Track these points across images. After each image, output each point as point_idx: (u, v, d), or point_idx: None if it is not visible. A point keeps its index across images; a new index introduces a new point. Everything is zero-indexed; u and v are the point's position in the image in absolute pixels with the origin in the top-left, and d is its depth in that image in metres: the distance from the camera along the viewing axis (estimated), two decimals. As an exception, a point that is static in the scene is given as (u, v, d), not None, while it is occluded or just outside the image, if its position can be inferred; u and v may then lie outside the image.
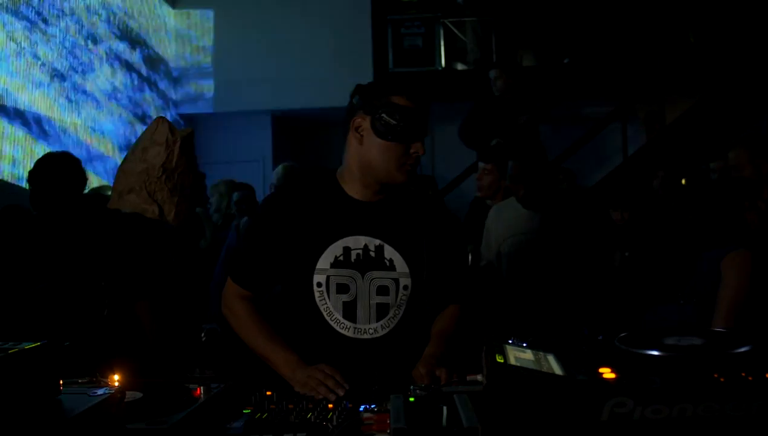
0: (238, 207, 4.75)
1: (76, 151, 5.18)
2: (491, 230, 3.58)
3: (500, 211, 3.58)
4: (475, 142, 5.87)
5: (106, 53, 6.65)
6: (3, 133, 5.07)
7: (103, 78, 6.56)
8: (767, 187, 2.77)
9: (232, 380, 1.61)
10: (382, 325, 1.92)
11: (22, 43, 5.34)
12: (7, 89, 5.14)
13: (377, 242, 1.91)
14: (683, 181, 5.90)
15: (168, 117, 7.91)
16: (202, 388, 1.51)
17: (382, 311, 1.92)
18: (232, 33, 7.97)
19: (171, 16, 8.08)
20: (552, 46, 8.01)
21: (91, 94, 6.34)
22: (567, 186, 4.62)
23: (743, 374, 1.14)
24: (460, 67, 8.29)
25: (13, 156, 5.17)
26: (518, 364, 1.25)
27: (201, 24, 8.10)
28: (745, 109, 6.67)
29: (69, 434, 1.12)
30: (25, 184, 5.13)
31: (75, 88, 6.07)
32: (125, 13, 7.05)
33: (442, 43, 8.01)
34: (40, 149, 5.44)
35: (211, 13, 8.09)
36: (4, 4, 5.13)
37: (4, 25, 5.13)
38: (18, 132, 5.24)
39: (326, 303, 1.90)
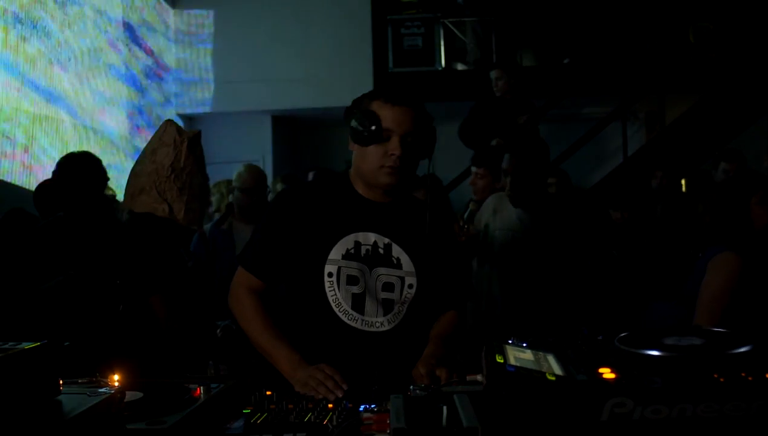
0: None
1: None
2: (483, 213, 3.58)
3: (498, 201, 3.57)
4: (474, 143, 5.87)
5: (107, 53, 6.65)
6: (3, 132, 5.07)
7: (103, 78, 6.56)
8: None
9: (232, 380, 1.61)
10: (388, 320, 1.94)
11: (22, 42, 5.34)
12: (6, 88, 5.14)
13: (386, 240, 1.95)
14: (683, 182, 5.91)
15: (168, 117, 7.93)
16: (202, 388, 1.51)
17: (387, 306, 1.95)
18: (232, 33, 7.97)
19: (171, 16, 8.08)
20: (552, 46, 8.02)
21: (91, 94, 6.34)
22: (557, 189, 4.61)
23: (743, 374, 1.15)
24: (460, 67, 8.29)
25: (12, 155, 5.17)
26: (518, 364, 1.25)
27: (201, 24, 8.10)
28: (745, 109, 6.67)
29: (69, 434, 1.12)
30: (24, 184, 5.15)
31: (74, 88, 6.07)
32: (125, 13, 7.05)
33: (442, 43, 8.02)
34: (40, 149, 5.44)
35: (211, 13, 8.10)
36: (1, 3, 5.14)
37: (2, 22, 5.13)
38: (17, 131, 5.24)
39: (336, 294, 1.92)
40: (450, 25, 8.10)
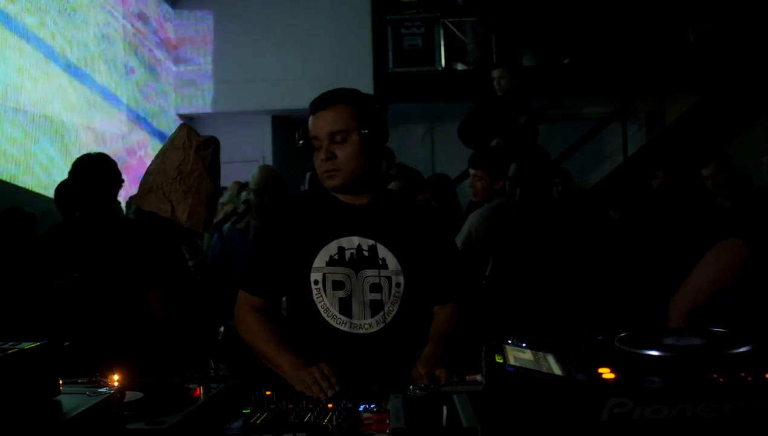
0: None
1: (76, 152, 5.20)
2: (474, 228, 3.58)
3: (490, 214, 3.56)
4: (474, 142, 5.87)
5: (106, 53, 6.65)
6: (2, 132, 5.07)
7: (103, 78, 6.56)
8: None
9: (232, 380, 1.61)
10: (376, 320, 1.96)
11: (21, 41, 5.34)
12: (6, 88, 5.14)
13: (370, 242, 1.97)
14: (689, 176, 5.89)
15: (168, 117, 7.93)
16: (201, 388, 1.51)
17: (376, 307, 1.96)
18: (231, 33, 7.97)
19: (171, 16, 8.08)
20: (552, 46, 8.01)
21: (91, 94, 6.34)
22: (563, 188, 4.61)
23: (743, 374, 1.15)
24: (460, 67, 8.29)
25: (12, 155, 5.17)
26: (518, 364, 1.25)
27: (201, 24, 8.10)
28: (745, 108, 6.67)
29: (69, 434, 1.12)
30: (23, 184, 5.15)
31: (74, 87, 6.07)
32: (125, 13, 7.05)
33: (442, 43, 8.02)
34: (39, 149, 5.44)
35: (211, 13, 8.10)
36: (4, 3, 5.14)
37: (2, 23, 5.13)
38: (16, 131, 5.24)
39: (323, 300, 1.96)
40: (450, 25, 8.10)
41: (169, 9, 8.05)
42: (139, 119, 7.19)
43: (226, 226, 4.28)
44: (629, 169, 6.60)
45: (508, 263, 3.53)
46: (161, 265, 2.64)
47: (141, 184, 2.72)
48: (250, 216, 4.18)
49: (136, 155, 7.03)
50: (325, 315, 1.96)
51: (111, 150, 6.56)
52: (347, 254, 1.96)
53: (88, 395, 1.22)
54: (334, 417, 1.47)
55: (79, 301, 2.67)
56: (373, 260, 1.97)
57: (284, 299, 2.18)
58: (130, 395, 1.40)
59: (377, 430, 1.43)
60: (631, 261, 4.23)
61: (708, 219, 4.24)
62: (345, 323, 1.95)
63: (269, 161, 7.99)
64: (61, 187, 3.48)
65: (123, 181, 3.10)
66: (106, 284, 2.72)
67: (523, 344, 1.39)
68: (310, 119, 1.97)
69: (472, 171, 4.08)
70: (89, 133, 6.24)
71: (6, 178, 5.02)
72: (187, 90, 8.08)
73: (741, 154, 5.29)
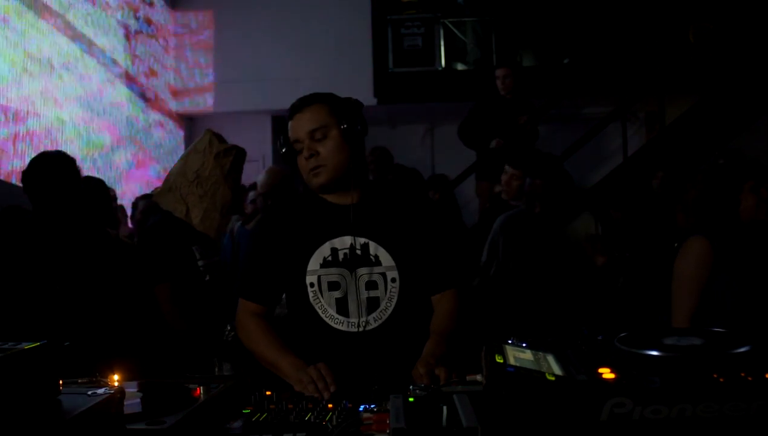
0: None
1: (76, 152, 5.19)
2: (498, 238, 3.62)
3: (510, 223, 3.59)
4: (474, 142, 5.88)
5: (106, 53, 6.65)
6: (2, 132, 5.07)
7: (103, 77, 6.56)
8: None
9: (232, 380, 1.61)
10: (374, 317, 1.97)
11: (19, 39, 5.34)
12: (5, 87, 5.14)
13: (362, 240, 1.99)
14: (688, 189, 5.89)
15: (168, 117, 7.92)
16: (202, 388, 1.51)
17: (373, 304, 1.98)
18: (232, 33, 7.97)
19: (171, 16, 8.08)
20: (552, 46, 8.02)
21: (90, 94, 6.34)
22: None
23: (743, 374, 1.15)
24: (460, 67, 8.29)
25: (11, 155, 5.17)
26: (518, 364, 1.25)
27: (201, 24, 8.10)
28: (745, 109, 6.68)
29: (69, 434, 1.12)
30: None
31: (74, 87, 6.07)
32: (125, 13, 7.05)
33: (442, 43, 8.02)
34: (37, 148, 5.44)
35: (211, 13, 8.10)
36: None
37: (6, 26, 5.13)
38: (16, 131, 5.24)
39: (320, 301, 1.97)
40: (450, 25, 8.10)
41: (169, 9, 8.05)
42: (139, 120, 7.19)
43: (237, 225, 4.31)
44: (629, 169, 6.60)
45: (515, 266, 3.55)
46: (170, 260, 2.70)
47: (163, 183, 2.82)
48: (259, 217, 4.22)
49: (136, 156, 7.03)
50: (323, 316, 1.97)
51: (111, 150, 6.56)
52: (340, 254, 1.98)
53: (88, 395, 1.22)
54: (334, 417, 1.47)
55: (84, 305, 2.67)
56: (366, 258, 1.98)
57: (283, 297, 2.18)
58: (131, 396, 1.40)
59: (377, 430, 1.43)
60: (632, 262, 4.23)
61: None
62: (343, 323, 1.97)
63: (269, 161, 7.99)
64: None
65: (81, 178, 3.01)
66: (105, 283, 2.72)
67: (523, 344, 1.39)
68: (289, 125, 1.99)
69: (510, 169, 4.03)
70: (89, 133, 6.24)
71: (4, 177, 5.02)
72: (187, 90, 8.08)
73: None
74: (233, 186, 2.74)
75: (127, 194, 6.32)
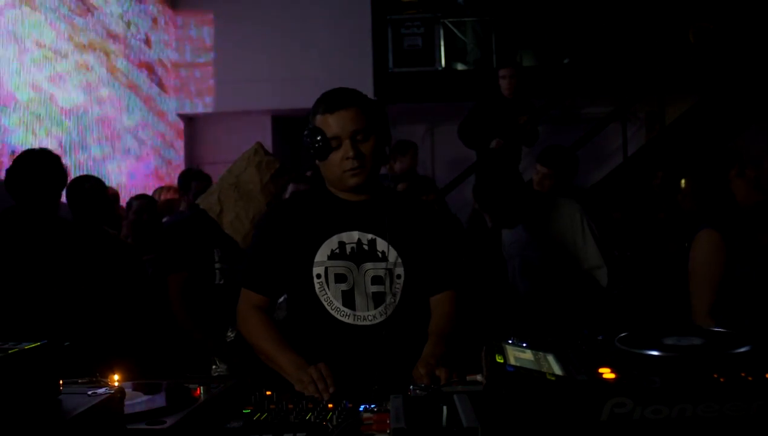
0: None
1: (73, 152, 5.20)
2: (505, 248, 3.63)
3: (509, 233, 3.60)
4: (474, 142, 5.88)
5: (107, 53, 6.65)
6: (2, 132, 5.07)
7: (103, 77, 6.56)
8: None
9: (232, 380, 1.61)
10: (380, 312, 1.98)
11: (21, 40, 5.34)
12: (5, 87, 5.14)
13: (370, 236, 2.01)
14: (682, 182, 5.90)
15: (168, 117, 7.92)
16: (202, 388, 1.51)
17: (378, 299, 1.99)
18: (232, 33, 7.97)
19: (171, 16, 8.08)
20: (552, 46, 8.01)
21: (90, 94, 6.34)
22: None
23: (743, 374, 1.15)
24: (460, 67, 8.29)
25: (10, 156, 5.17)
26: (518, 364, 1.25)
27: (201, 24, 8.10)
28: (745, 109, 6.68)
29: (69, 434, 1.12)
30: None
31: (74, 87, 6.07)
32: (125, 13, 7.05)
33: (442, 43, 8.02)
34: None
35: (211, 13, 8.10)
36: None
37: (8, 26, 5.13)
38: (16, 131, 5.24)
39: (326, 293, 1.98)
40: (450, 25, 8.10)
41: (169, 9, 8.05)
42: (139, 120, 7.19)
43: None
44: (629, 169, 6.60)
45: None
46: (189, 252, 2.75)
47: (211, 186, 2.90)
48: None
49: (135, 157, 7.03)
50: (329, 308, 1.97)
51: (111, 150, 6.56)
52: (348, 248, 1.99)
53: (88, 395, 1.22)
54: (334, 417, 1.48)
55: (85, 304, 2.67)
56: (373, 254, 2.00)
57: (280, 300, 2.19)
58: (130, 395, 1.40)
59: (377, 430, 1.43)
60: (633, 261, 4.24)
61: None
62: (349, 316, 1.97)
63: (269, 161, 7.98)
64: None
65: (66, 176, 2.99)
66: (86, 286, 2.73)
67: (523, 344, 1.39)
68: (327, 118, 1.94)
69: (542, 168, 3.96)
70: (88, 133, 6.24)
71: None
72: (187, 90, 8.08)
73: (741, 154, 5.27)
74: (269, 199, 2.78)
75: (125, 195, 6.31)
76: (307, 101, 2.04)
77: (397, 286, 1.99)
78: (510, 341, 1.40)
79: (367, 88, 7.59)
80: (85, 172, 5.45)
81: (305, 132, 1.98)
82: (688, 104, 6.93)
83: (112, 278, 2.84)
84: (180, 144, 8.18)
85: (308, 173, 5.36)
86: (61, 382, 1.22)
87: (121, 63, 6.91)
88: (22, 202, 2.80)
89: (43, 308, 2.63)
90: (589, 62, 7.62)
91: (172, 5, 8.08)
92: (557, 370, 1.24)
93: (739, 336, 1.29)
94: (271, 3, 7.91)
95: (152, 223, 4.67)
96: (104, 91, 6.57)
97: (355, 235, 2.00)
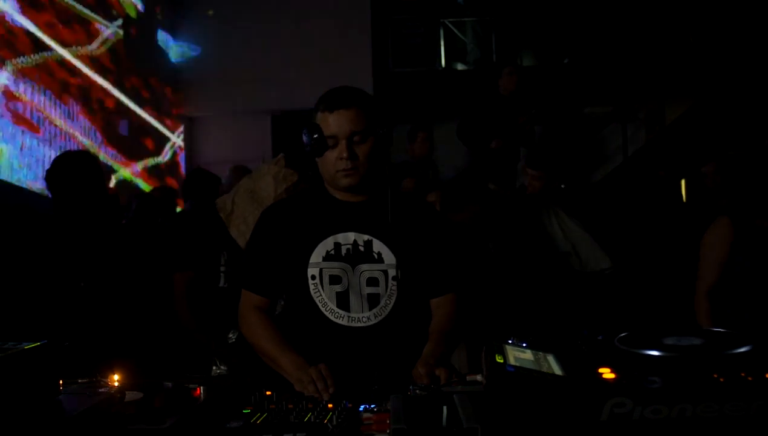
0: None
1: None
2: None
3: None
4: (474, 142, 5.88)
5: (106, 52, 6.65)
6: (2, 133, 5.07)
7: (103, 77, 6.56)
8: None
9: (232, 380, 1.61)
10: (374, 313, 1.98)
11: (19, 44, 5.34)
12: (5, 88, 5.14)
13: (366, 237, 2.00)
14: (683, 182, 5.91)
15: (168, 117, 7.90)
16: (202, 388, 1.51)
17: (373, 300, 1.98)
18: (232, 33, 7.97)
19: (171, 16, 8.08)
20: (552, 46, 8.02)
21: (90, 94, 6.34)
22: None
23: (743, 374, 1.15)
24: (460, 67, 8.29)
25: (11, 156, 5.17)
26: (518, 364, 1.25)
27: (201, 24, 8.10)
28: (744, 109, 6.68)
29: (69, 434, 1.12)
30: (24, 185, 5.15)
31: (74, 87, 6.07)
32: (125, 12, 7.05)
33: (442, 43, 8.02)
34: (38, 149, 5.44)
35: (211, 14, 8.10)
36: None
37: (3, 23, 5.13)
38: (16, 132, 5.24)
39: (321, 294, 1.97)
40: (450, 25, 8.10)
41: (169, 9, 8.05)
42: (139, 120, 7.19)
43: None
44: (629, 170, 6.60)
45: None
46: (196, 252, 2.78)
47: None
48: None
49: (136, 157, 7.03)
50: (323, 309, 1.97)
51: (111, 150, 6.56)
52: (343, 249, 1.99)
53: (88, 395, 1.22)
54: (334, 417, 1.48)
55: (85, 304, 2.68)
56: (368, 255, 1.99)
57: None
58: (130, 395, 1.40)
59: (377, 430, 1.43)
60: (634, 260, 4.24)
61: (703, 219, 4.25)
62: (343, 317, 1.97)
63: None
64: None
65: (103, 179, 3.01)
66: (105, 289, 2.73)
67: (523, 344, 1.39)
68: (326, 116, 1.94)
69: (531, 171, 3.98)
70: (88, 132, 6.24)
71: (6, 178, 5.02)
72: (187, 90, 8.08)
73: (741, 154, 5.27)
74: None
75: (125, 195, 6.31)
76: (307, 101, 2.04)
77: (393, 287, 1.98)
78: (510, 341, 1.40)
79: (367, 88, 7.58)
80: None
81: (304, 127, 1.98)
82: (688, 104, 6.93)
83: (113, 277, 2.84)
84: (181, 144, 8.18)
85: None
86: (61, 382, 1.22)
87: (120, 62, 6.91)
88: (60, 203, 2.84)
89: (73, 308, 2.66)
90: (589, 62, 7.62)
91: (172, 5, 8.08)
92: (557, 370, 1.24)
93: (739, 336, 1.29)
94: (272, 3, 7.91)
95: (151, 222, 4.68)
96: (103, 90, 6.56)
97: (351, 236, 1.99)
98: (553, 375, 1.21)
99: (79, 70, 6.13)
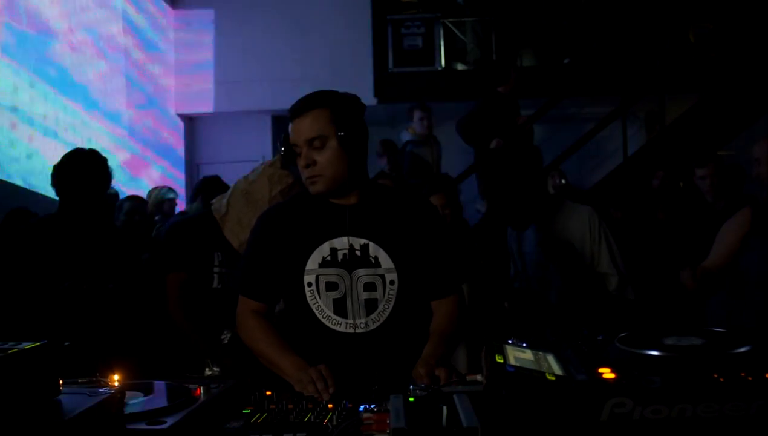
0: None
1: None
2: (513, 253, 3.62)
3: (519, 234, 3.58)
4: (474, 139, 5.87)
5: (107, 53, 6.65)
6: (2, 133, 5.07)
7: (103, 77, 6.56)
8: None
9: (232, 380, 1.61)
10: (372, 319, 1.97)
11: (22, 42, 5.34)
12: (5, 89, 5.14)
13: (362, 241, 1.98)
14: (681, 184, 5.91)
15: (168, 117, 7.91)
16: (202, 388, 1.51)
17: (371, 306, 1.97)
18: (232, 33, 7.97)
19: (171, 16, 8.08)
20: (552, 46, 8.01)
21: (90, 94, 6.34)
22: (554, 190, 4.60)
23: (743, 374, 1.15)
24: (460, 67, 8.29)
25: (10, 156, 5.17)
26: (518, 364, 1.25)
27: (201, 24, 8.10)
28: (744, 109, 6.67)
29: (69, 434, 1.12)
30: (25, 185, 5.15)
31: (74, 88, 6.07)
32: (125, 12, 7.05)
33: (442, 43, 8.01)
34: (39, 150, 5.44)
35: (211, 13, 8.10)
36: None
37: (3, 24, 5.13)
38: (16, 133, 5.24)
39: (317, 301, 1.97)
40: (450, 25, 8.10)
41: (169, 8, 8.05)
42: (139, 120, 7.19)
43: None
44: (629, 169, 6.59)
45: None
46: (189, 253, 2.76)
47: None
48: None
49: (136, 157, 7.03)
50: (320, 317, 1.97)
51: (111, 150, 6.56)
52: (340, 255, 1.97)
53: (88, 395, 1.22)
54: (334, 417, 1.47)
55: (81, 304, 2.68)
56: (365, 259, 1.97)
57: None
58: (130, 395, 1.40)
59: (377, 430, 1.42)
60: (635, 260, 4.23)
61: (702, 219, 4.26)
62: (340, 324, 1.96)
63: (269, 161, 7.98)
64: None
65: (111, 179, 3.00)
66: (100, 288, 2.73)
67: (523, 344, 1.39)
68: (291, 126, 1.97)
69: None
70: (88, 133, 6.24)
71: (7, 178, 5.02)
72: (187, 90, 8.08)
73: (741, 154, 5.28)
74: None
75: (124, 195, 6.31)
76: (307, 101, 2.03)
77: (391, 292, 1.97)
78: (510, 341, 1.40)
79: (367, 88, 7.60)
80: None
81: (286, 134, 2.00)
82: (688, 104, 6.92)
83: (112, 277, 2.84)
84: (180, 144, 8.18)
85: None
86: (61, 382, 1.22)
87: (120, 62, 6.91)
88: (67, 201, 2.84)
89: (71, 308, 2.66)
90: (589, 62, 7.61)
91: (172, 5, 8.08)
92: (557, 370, 1.24)
93: (739, 336, 1.29)
94: (271, 3, 7.91)
95: (143, 224, 4.67)
96: (103, 90, 6.56)
97: (347, 240, 1.97)
98: (553, 375, 1.21)
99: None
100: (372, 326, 1.96)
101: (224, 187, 4.12)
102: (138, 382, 1.54)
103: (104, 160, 2.91)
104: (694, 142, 6.37)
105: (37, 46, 5.54)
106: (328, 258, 1.97)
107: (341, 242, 1.97)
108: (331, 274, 1.96)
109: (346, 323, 1.96)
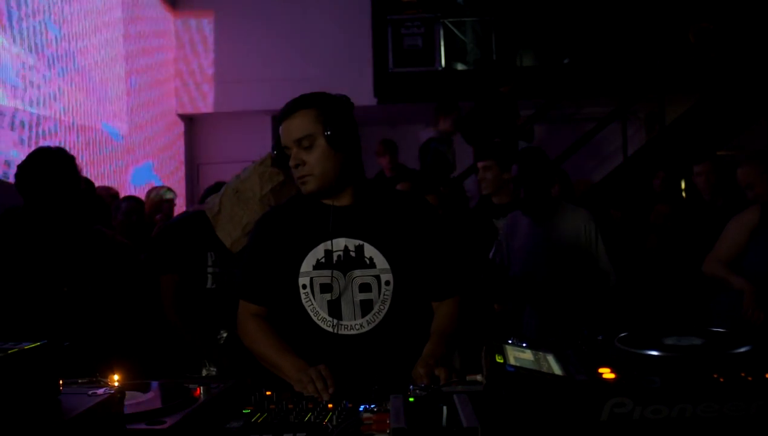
0: None
1: (76, 153, 5.18)
2: (503, 243, 3.60)
3: (513, 227, 3.56)
4: (474, 137, 5.88)
5: (106, 54, 6.65)
6: (2, 133, 5.07)
7: (103, 77, 6.56)
8: None
9: (232, 381, 1.61)
10: (367, 320, 1.96)
11: (21, 43, 5.34)
12: (5, 89, 5.14)
13: (357, 242, 1.98)
14: (682, 183, 5.91)
15: (168, 117, 7.91)
16: (202, 388, 1.51)
17: (366, 307, 1.97)
18: (231, 33, 7.97)
19: (171, 16, 8.08)
20: (552, 46, 8.02)
21: (91, 94, 6.34)
22: (560, 191, 4.60)
23: (743, 374, 1.15)
24: (460, 67, 8.29)
25: (10, 157, 5.17)
26: (518, 364, 1.25)
27: (201, 24, 8.10)
28: (744, 109, 6.68)
29: (69, 434, 1.12)
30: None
31: (74, 88, 6.07)
32: (125, 12, 7.05)
33: (442, 43, 8.01)
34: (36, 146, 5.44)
35: (211, 14, 8.10)
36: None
37: (3, 26, 5.13)
38: (16, 133, 5.24)
39: (312, 303, 1.96)
40: (450, 25, 8.10)
41: (170, 8, 8.05)
42: (138, 119, 7.19)
43: None
44: (629, 169, 6.60)
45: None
46: (182, 254, 2.74)
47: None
48: None
49: (136, 157, 7.03)
50: (314, 318, 1.96)
51: (110, 150, 6.56)
52: (334, 256, 1.96)
53: (88, 395, 1.22)
54: (334, 417, 1.47)
55: (73, 308, 2.66)
56: (360, 260, 1.97)
57: None
58: (130, 395, 1.40)
59: (377, 430, 1.43)
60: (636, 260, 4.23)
61: (702, 219, 4.26)
62: (335, 325, 1.95)
63: (269, 162, 7.98)
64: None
65: (80, 178, 2.86)
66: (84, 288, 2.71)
67: (523, 344, 1.39)
68: (280, 129, 1.98)
69: (480, 163, 4.07)
70: (88, 132, 6.24)
71: (5, 178, 5.02)
72: (187, 90, 8.08)
73: (741, 154, 5.28)
74: (266, 210, 2.73)
75: (123, 195, 6.31)
76: (307, 101, 2.03)
77: (386, 293, 1.97)
78: (510, 341, 1.40)
79: (367, 88, 7.60)
80: (85, 175, 5.43)
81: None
82: (688, 104, 6.92)
83: (111, 278, 2.83)
84: (180, 144, 8.18)
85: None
86: (61, 382, 1.22)
87: (120, 62, 6.91)
88: (30, 201, 2.73)
89: (44, 308, 2.63)
90: (589, 62, 7.62)
91: (172, 5, 8.08)
92: (557, 370, 1.24)
93: (739, 336, 1.29)
94: (271, 3, 7.91)
95: (141, 224, 4.66)
96: (103, 90, 6.56)
97: (342, 242, 1.97)
98: (553, 375, 1.21)
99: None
100: (368, 327, 1.96)
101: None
102: (138, 382, 1.54)
103: (71, 159, 2.78)
104: (694, 143, 6.38)
105: (36, 45, 5.54)
106: (323, 260, 1.96)
107: (336, 244, 1.97)
108: (326, 275, 1.96)
109: (341, 325, 1.95)
